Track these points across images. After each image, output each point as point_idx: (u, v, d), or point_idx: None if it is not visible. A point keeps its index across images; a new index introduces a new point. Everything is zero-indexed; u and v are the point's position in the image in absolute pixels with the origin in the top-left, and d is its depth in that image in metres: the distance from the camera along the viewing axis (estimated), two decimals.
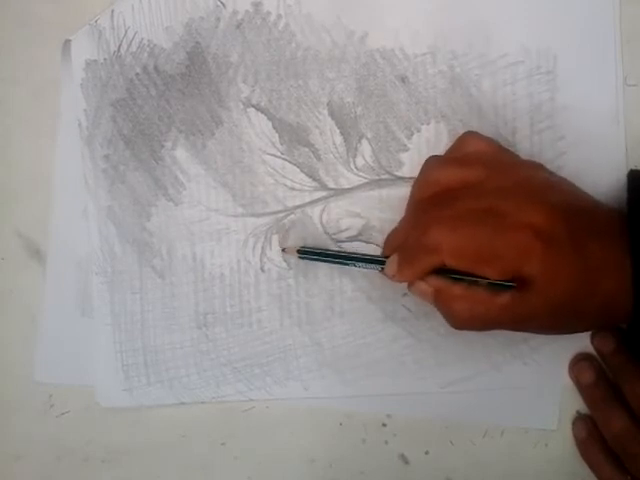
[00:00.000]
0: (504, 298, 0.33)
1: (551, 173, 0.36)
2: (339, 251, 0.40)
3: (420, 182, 0.37)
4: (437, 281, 0.34)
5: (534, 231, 0.32)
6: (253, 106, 0.41)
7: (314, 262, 0.40)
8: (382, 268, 0.37)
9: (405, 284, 0.36)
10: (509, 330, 0.35)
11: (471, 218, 0.33)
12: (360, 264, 0.38)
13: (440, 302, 0.35)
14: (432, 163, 0.37)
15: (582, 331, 0.38)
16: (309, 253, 0.39)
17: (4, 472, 0.43)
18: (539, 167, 0.36)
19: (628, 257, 0.32)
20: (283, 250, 0.41)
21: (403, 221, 0.38)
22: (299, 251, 0.40)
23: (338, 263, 0.39)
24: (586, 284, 0.32)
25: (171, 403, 0.42)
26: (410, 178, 0.40)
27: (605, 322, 0.36)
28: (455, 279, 0.34)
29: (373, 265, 0.37)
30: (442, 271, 0.34)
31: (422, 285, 0.35)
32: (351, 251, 0.40)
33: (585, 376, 0.39)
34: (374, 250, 0.40)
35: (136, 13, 0.41)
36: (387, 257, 0.36)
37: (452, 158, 0.37)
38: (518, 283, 0.33)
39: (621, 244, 0.32)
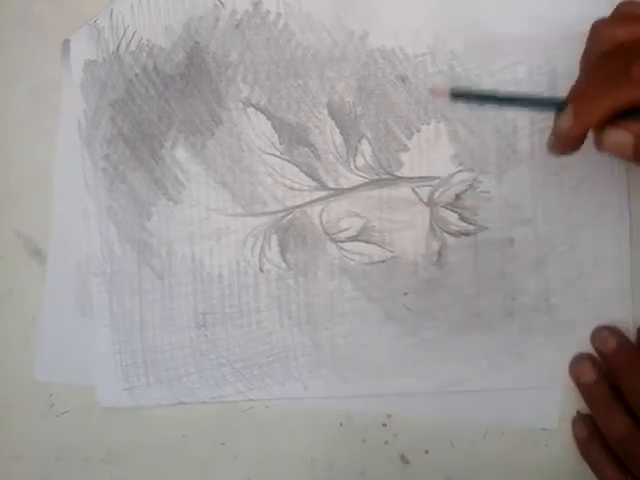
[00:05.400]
0: None
1: None
2: (501, 92, 0.34)
3: (594, 41, 0.31)
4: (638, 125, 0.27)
5: None
6: (253, 106, 0.41)
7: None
8: (558, 110, 0.30)
9: (407, 284, 0.36)
10: None
11: None
12: (529, 106, 0.32)
13: None
14: (605, 22, 0.31)
15: None
16: (463, 95, 0.32)
17: (4, 472, 0.43)
18: None
19: None
20: (430, 90, 0.35)
21: (581, 81, 0.31)
22: (452, 92, 0.32)
23: (500, 104, 0.33)
24: None
25: (171, 403, 0.42)
26: (410, 178, 0.40)
27: None
28: None
29: (546, 107, 0.31)
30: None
31: (617, 132, 0.27)
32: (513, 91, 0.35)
33: (585, 376, 0.39)
34: (374, 250, 0.40)
35: (135, 13, 0.41)
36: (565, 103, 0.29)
37: (624, 16, 0.31)
38: None
39: None
